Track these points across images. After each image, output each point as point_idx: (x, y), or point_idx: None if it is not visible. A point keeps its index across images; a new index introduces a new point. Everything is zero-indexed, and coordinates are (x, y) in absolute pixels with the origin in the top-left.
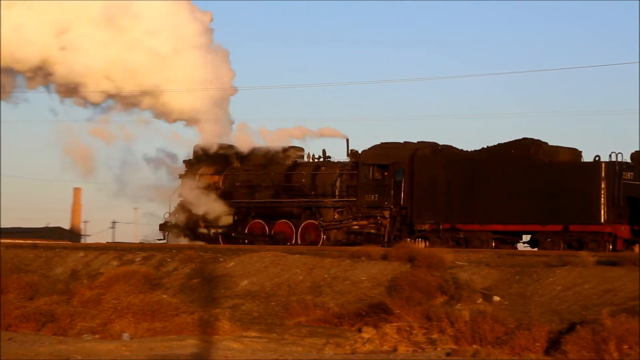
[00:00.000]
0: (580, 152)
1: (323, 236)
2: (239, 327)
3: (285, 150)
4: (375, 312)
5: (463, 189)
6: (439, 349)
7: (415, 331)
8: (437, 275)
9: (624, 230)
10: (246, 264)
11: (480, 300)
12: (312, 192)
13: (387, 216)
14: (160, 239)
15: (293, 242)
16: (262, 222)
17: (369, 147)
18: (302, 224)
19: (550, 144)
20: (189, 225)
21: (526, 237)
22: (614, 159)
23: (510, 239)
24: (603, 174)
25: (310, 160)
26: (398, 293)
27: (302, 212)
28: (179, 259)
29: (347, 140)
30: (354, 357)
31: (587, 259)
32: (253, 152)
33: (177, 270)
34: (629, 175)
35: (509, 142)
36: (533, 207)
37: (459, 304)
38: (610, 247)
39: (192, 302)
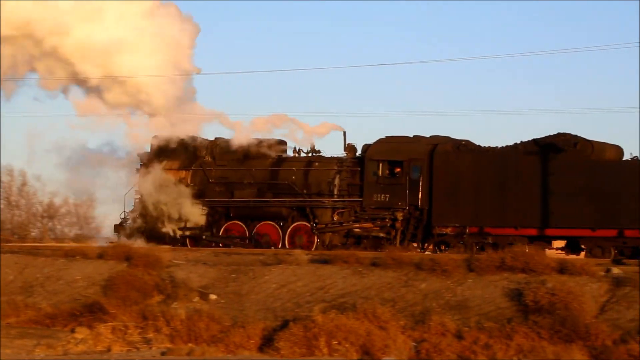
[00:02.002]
0: (623, 149)
1: (317, 240)
2: None
3: (266, 143)
4: (90, 312)
5: (495, 189)
6: (154, 348)
7: (130, 330)
8: (154, 274)
9: None
10: None
11: (197, 298)
12: (304, 191)
13: (400, 218)
14: (112, 242)
15: (280, 246)
16: (241, 224)
17: (374, 141)
18: (291, 227)
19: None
20: (149, 226)
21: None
22: None
23: (544, 245)
24: None
25: (298, 155)
26: (114, 292)
27: (290, 213)
28: None
29: (344, 133)
30: (66, 357)
31: (301, 257)
32: (227, 145)
33: None
34: None
35: (547, 137)
36: (581, 209)
37: (176, 303)
38: None
39: None
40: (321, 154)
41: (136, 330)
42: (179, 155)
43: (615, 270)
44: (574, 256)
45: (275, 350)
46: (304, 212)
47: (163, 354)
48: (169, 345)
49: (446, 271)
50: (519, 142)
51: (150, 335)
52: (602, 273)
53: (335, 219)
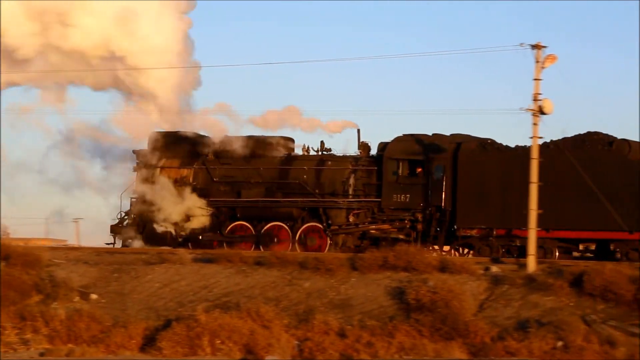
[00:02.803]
0: None
1: (329, 242)
2: None
3: (273, 140)
4: None
5: (525, 189)
6: (32, 349)
7: (7, 331)
8: (33, 273)
9: None
10: None
11: (77, 298)
12: (317, 191)
13: (422, 219)
14: (109, 243)
15: (290, 248)
16: (248, 225)
17: (392, 139)
18: (302, 227)
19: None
20: (149, 226)
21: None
22: None
23: (573, 248)
24: None
25: (307, 153)
26: None
27: (301, 214)
28: None
29: (358, 130)
30: None
31: (185, 256)
32: (232, 142)
33: None
34: None
35: (578, 135)
36: (618, 211)
37: (55, 303)
38: None
39: None
40: (332, 152)
41: (13, 331)
42: (179, 152)
43: (494, 268)
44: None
45: (157, 350)
46: (315, 213)
47: (41, 354)
48: (47, 346)
49: (330, 270)
50: (549, 140)
51: (28, 335)
52: (482, 271)
53: (350, 220)
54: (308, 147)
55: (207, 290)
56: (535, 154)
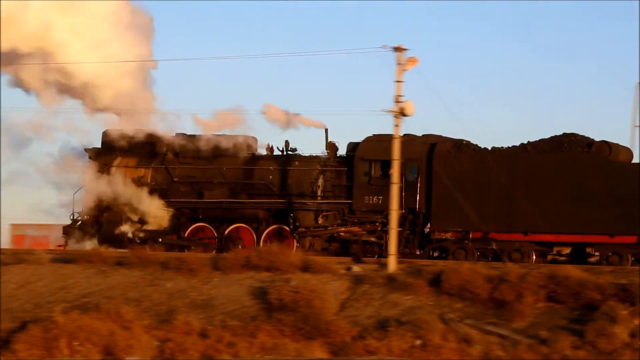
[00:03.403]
0: (632, 151)
1: (296, 244)
2: None
3: (236, 139)
4: None
5: (502, 191)
6: None
7: None
8: None
9: None
10: None
11: None
12: (283, 192)
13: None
14: (61, 245)
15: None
16: (210, 227)
17: (363, 139)
18: (267, 230)
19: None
20: (105, 227)
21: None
22: None
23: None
24: None
25: (271, 153)
26: None
27: (266, 216)
28: None
29: (326, 130)
30: None
31: (43, 256)
32: (192, 142)
33: None
34: None
35: (556, 137)
36: (599, 214)
37: None
38: None
39: None
40: (297, 152)
41: None
42: (135, 151)
43: (356, 268)
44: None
45: (12, 352)
46: (281, 215)
47: None
48: None
49: (192, 270)
50: (525, 142)
51: None
52: (343, 271)
53: (319, 222)
54: (272, 147)
55: (65, 291)
56: (396, 154)
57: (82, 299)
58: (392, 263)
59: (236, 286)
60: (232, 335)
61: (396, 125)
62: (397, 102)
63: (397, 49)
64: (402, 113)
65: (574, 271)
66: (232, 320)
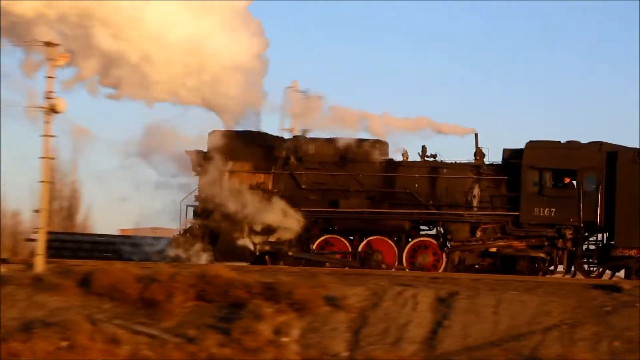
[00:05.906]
0: None
1: (446, 260)
2: None
3: (367, 143)
4: None
5: None
6: None
7: None
8: None
9: None
10: None
11: None
12: (431, 202)
13: (570, 237)
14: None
15: (396, 265)
16: (342, 239)
17: (527, 145)
18: (411, 243)
19: None
20: (224, 238)
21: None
22: None
23: None
24: None
25: (406, 159)
26: None
27: (411, 228)
28: None
29: (476, 135)
30: None
31: None
32: (316, 145)
33: None
34: None
35: None
36: None
37: None
38: None
39: None
40: (437, 158)
41: None
42: (250, 155)
43: (2, 269)
44: None
45: None
46: (427, 227)
47: None
48: None
49: None
50: None
51: None
52: None
53: (477, 235)
54: (405, 152)
55: None
56: (46, 152)
57: None
58: (40, 263)
59: None
60: None
61: (47, 122)
62: (49, 98)
63: (48, 44)
64: (53, 110)
65: (223, 270)
66: None
